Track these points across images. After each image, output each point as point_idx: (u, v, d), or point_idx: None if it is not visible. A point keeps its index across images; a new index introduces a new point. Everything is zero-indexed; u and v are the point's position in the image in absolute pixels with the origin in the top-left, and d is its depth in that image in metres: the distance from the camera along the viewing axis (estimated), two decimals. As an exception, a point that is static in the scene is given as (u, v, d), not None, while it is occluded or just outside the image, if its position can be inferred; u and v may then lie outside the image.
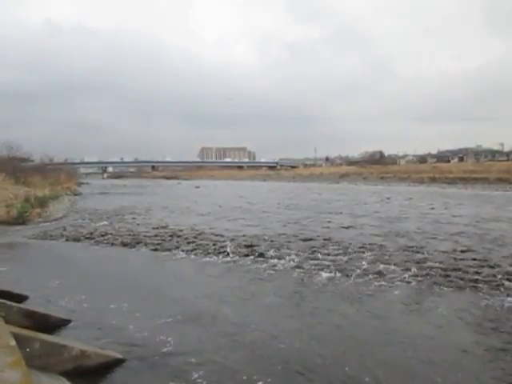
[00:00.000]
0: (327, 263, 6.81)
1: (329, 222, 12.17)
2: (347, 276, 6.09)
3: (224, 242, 8.89)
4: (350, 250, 7.85)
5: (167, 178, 73.34)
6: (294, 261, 7.05)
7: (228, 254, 7.76)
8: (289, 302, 4.95)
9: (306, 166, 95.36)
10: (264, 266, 6.82)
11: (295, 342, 3.82)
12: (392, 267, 6.47)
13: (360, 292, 5.35)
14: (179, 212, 15.95)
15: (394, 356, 3.63)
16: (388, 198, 20.95)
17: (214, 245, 8.62)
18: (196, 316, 4.55)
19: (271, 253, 7.68)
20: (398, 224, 11.51)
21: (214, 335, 4.00)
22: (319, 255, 7.44)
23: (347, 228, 10.91)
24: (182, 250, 8.19)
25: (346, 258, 7.16)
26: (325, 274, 6.19)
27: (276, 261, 7.09)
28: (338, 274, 6.17)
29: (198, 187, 38.56)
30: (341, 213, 14.63)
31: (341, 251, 7.73)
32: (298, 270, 6.50)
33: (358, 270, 6.33)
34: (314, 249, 7.98)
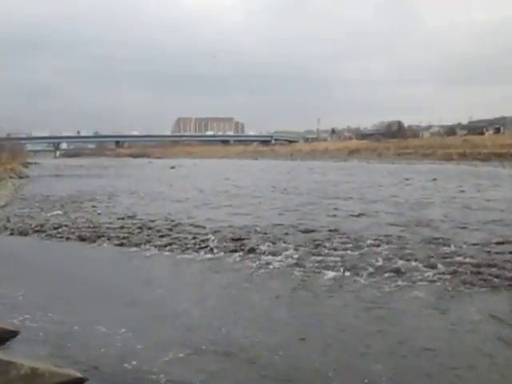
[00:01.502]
0: (333, 260, 6.84)
1: (335, 209, 12.23)
2: (358, 275, 6.12)
3: (206, 234, 8.89)
4: (361, 243, 7.89)
5: (135, 157, 73.08)
6: (292, 257, 7.07)
7: (211, 249, 7.78)
8: (286, 310, 4.93)
9: (307, 140, 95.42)
10: (255, 264, 6.83)
11: (297, 361, 3.82)
12: (413, 264, 6.52)
13: (374, 295, 5.37)
14: (150, 198, 15.93)
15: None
16: (408, 179, 21.14)
17: (193, 238, 8.62)
18: (171, 329, 4.53)
19: (264, 248, 7.70)
20: (420, 211, 11.61)
21: (192, 352, 3.99)
22: (324, 250, 7.47)
23: (358, 216, 10.98)
24: (154, 246, 8.19)
25: (356, 254, 7.20)
26: (330, 274, 6.21)
27: (270, 257, 7.11)
28: (347, 273, 6.20)
29: (173, 167, 38.47)
30: (350, 198, 14.73)
31: (350, 245, 7.77)
32: (297, 268, 6.52)
33: (372, 268, 6.36)
34: (317, 242, 8.01)
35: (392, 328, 4.48)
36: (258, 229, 9.41)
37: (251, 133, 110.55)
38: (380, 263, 6.60)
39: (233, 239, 8.46)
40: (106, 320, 4.71)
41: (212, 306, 5.14)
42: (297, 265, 6.70)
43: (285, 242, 8.11)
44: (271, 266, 6.70)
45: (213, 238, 8.50)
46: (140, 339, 4.22)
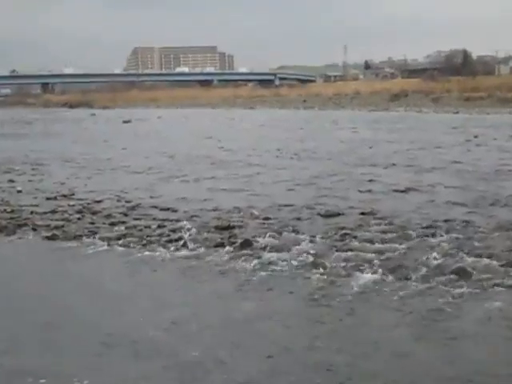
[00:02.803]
0: (368, 257, 6.85)
1: (371, 181, 12.27)
2: (405, 279, 6.13)
3: (178, 221, 8.92)
4: (409, 231, 7.91)
5: (72, 106, 72.62)
6: (307, 254, 7.08)
7: (185, 243, 7.79)
8: (307, 343, 4.83)
9: (328, 79, 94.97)
10: (252, 264, 6.83)
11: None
12: (485, 261, 6.54)
13: (430, 309, 5.36)
14: (94, 168, 15.96)
15: None
16: (478, 137, 21.06)
17: (159, 227, 8.65)
18: (133, 368, 4.54)
19: (265, 240, 7.70)
20: (497, 184, 11.63)
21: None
22: (354, 243, 7.49)
23: (404, 192, 11.03)
24: (102, 238, 8.22)
25: (402, 248, 7.23)
26: (364, 278, 6.22)
27: (274, 255, 7.12)
28: (389, 277, 6.21)
29: (127, 122, 38.35)
30: (393, 165, 14.75)
31: (393, 234, 7.80)
32: (314, 271, 6.52)
33: (425, 269, 6.38)
34: (343, 231, 8.03)
35: (464, 358, 4.48)
36: (256, 212, 9.42)
37: (244, 69, 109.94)
38: (438, 261, 6.60)
39: (218, 228, 8.47)
40: (28, 353, 4.71)
41: (185, 336, 5.06)
42: (314, 265, 6.70)
43: (296, 232, 8.12)
44: (276, 268, 6.70)
45: (188, 226, 8.51)
46: None
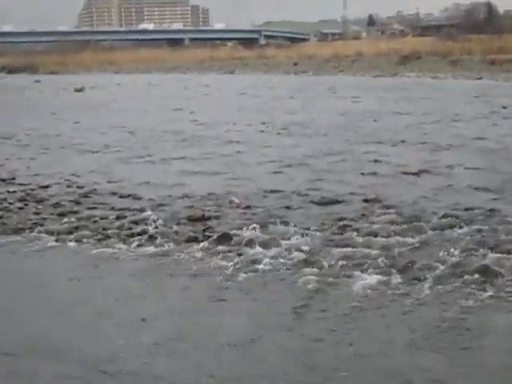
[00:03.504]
0: (373, 254, 6.88)
1: (375, 161, 12.34)
2: (417, 280, 6.13)
3: (141, 211, 8.97)
4: (421, 223, 7.94)
5: (11, 71, 71.94)
6: (299, 250, 7.09)
7: (151, 237, 7.80)
8: (293, 367, 4.82)
9: (324, 37, 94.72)
10: (232, 263, 6.83)
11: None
12: (515, 259, 6.56)
13: (448, 319, 5.35)
14: (40, 146, 15.94)
15: None
16: (505, 108, 21.11)
17: (118, 218, 8.68)
18: None
19: (248, 233, 7.74)
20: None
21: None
22: (355, 237, 7.52)
23: (416, 175, 11.09)
24: (49, 232, 8.20)
25: (413, 242, 7.26)
26: (368, 279, 6.23)
27: (259, 251, 7.14)
28: (398, 278, 6.21)
29: (80, 90, 38.13)
30: (402, 142, 14.80)
31: (402, 226, 7.83)
32: (307, 271, 6.53)
33: (441, 267, 6.39)
34: (342, 222, 8.06)
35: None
36: (237, 199, 9.44)
37: (221, 26, 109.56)
38: (456, 258, 6.62)
39: (190, 219, 8.49)
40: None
41: (144, 362, 5.05)
42: (307, 264, 6.69)
43: (285, 223, 8.13)
44: (260, 268, 6.69)
45: (154, 216, 8.53)
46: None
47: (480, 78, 37.64)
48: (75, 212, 9.07)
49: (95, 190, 10.46)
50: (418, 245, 7.15)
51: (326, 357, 4.84)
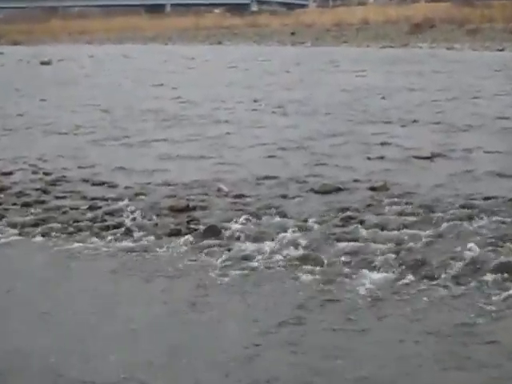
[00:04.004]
0: (380, 249, 6.88)
1: (383, 144, 12.35)
2: (430, 280, 6.15)
3: (117, 200, 8.98)
4: (436, 213, 7.97)
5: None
6: (296, 245, 7.11)
7: (128, 230, 7.82)
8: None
9: (324, 3, 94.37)
10: (220, 260, 6.84)
11: None
12: (541, 254, 6.56)
13: (466, 324, 5.36)
14: (0, 127, 15.87)
15: None
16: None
17: (91, 209, 8.68)
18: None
19: (238, 226, 7.74)
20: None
21: None
22: (360, 230, 7.51)
23: (429, 159, 11.12)
24: (12, 224, 8.21)
25: (426, 235, 7.27)
26: (374, 277, 6.25)
27: (250, 247, 7.15)
28: (409, 277, 6.23)
29: (47, 63, 37.88)
30: (414, 121, 14.82)
31: (414, 218, 7.84)
32: (305, 268, 6.54)
33: (458, 265, 6.40)
34: (346, 213, 8.08)
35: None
36: (226, 187, 9.44)
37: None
38: (475, 254, 6.61)
39: (173, 209, 8.50)
40: None
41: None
42: (306, 261, 6.70)
43: (280, 214, 8.14)
44: (252, 266, 6.70)
45: (132, 207, 8.52)
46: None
47: (502, 50, 37.58)
48: (42, 202, 9.05)
49: (64, 176, 10.43)
50: (431, 239, 7.15)
51: (324, 373, 4.78)
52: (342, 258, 6.69)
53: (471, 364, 4.76)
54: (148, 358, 4.96)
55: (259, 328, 5.44)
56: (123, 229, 7.83)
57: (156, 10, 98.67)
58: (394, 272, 6.32)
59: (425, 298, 5.80)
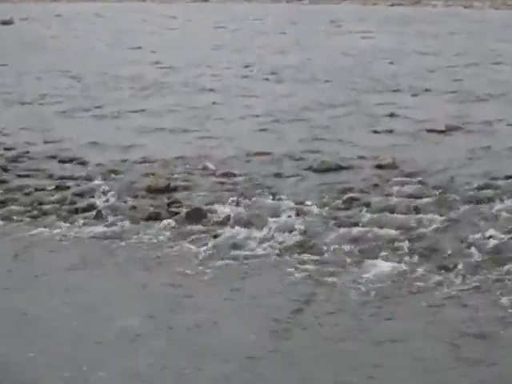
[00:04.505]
0: (389, 235, 6.90)
1: (391, 116, 12.36)
2: (446, 270, 6.14)
3: (88, 180, 8.97)
4: (452, 194, 7.97)
5: None
6: (291, 231, 7.11)
7: (100, 214, 7.82)
8: None
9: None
10: (205, 248, 6.85)
11: None
12: None
13: (487, 320, 5.34)
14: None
15: None
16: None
17: (58, 189, 8.66)
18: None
19: (226, 209, 7.76)
20: None
21: None
22: (365, 213, 7.53)
23: (444, 133, 11.10)
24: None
25: (441, 220, 7.27)
26: (381, 268, 6.24)
27: (240, 232, 7.16)
28: (422, 267, 6.22)
29: (8, 23, 37.61)
30: (426, 90, 14.82)
31: (427, 199, 7.85)
32: (303, 258, 6.54)
33: (477, 253, 6.41)
34: (349, 195, 8.08)
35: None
36: (212, 165, 9.44)
37: None
38: (495, 241, 6.65)
39: (151, 190, 8.50)
40: None
41: None
42: (303, 249, 6.72)
43: (274, 196, 8.15)
44: (243, 254, 6.71)
45: (104, 187, 8.52)
46: None
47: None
48: (2, 181, 9.03)
49: (28, 152, 10.39)
50: (446, 224, 7.14)
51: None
52: (345, 246, 6.68)
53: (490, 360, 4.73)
54: (127, 350, 4.93)
55: (248, 327, 5.38)
56: (94, 212, 7.82)
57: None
58: (404, 261, 6.31)
59: (439, 290, 5.78)
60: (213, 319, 5.57)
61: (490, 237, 6.68)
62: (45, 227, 7.54)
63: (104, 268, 6.59)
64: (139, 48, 24.37)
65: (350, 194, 8.06)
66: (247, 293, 6.00)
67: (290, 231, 7.08)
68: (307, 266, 6.32)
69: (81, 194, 8.39)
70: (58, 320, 5.61)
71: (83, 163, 9.78)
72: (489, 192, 7.99)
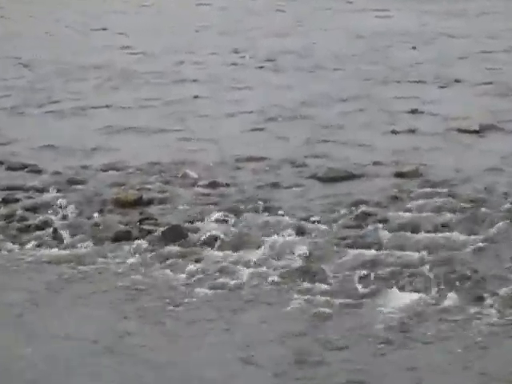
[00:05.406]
0: (410, 259, 6.91)
1: (413, 112, 12.41)
2: (480, 302, 6.13)
3: (43, 190, 9.04)
4: (487, 209, 7.98)
5: None
6: (291, 254, 7.12)
7: (56, 233, 7.81)
8: None
9: None
10: (185, 275, 6.86)
11: None
12: None
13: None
14: None
15: None
16: None
17: (4, 202, 8.71)
18: None
19: (210, 226, 7.79)
20: None
21: None
22: (381, 231, 7.54)
23: (478, 133, 11.14)
24: None
25: (473, 240, 7.27)
26: (402, 299, 6.24)
27: (227, 256, 7.18)
28: (449, 298, 6.21)
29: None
30: (455, 81, 14.88)
31: (457, 215, 7.86)
32: (305, 287, 6.53)
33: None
34: (361, 209, 8.10)
35: None
36: (194, 173, 9.49)
37: None
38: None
39: (119, 203, 8.54)
40: None
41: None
42: (306, 274, 6.71)
43: (270, 211, 8.19)
44: (232, 282, 6.69)
45: (62, 200, 8.58)
46: None
47: None
48: None
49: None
50: (481, 244, 7.15)
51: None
52: (358, 272, 6.68)
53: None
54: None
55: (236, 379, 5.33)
56: (50, 231, 7.83)
57: None
58: (430, 292, 6.30)
59: (472, 326, 5.74)
60: (192, 361, 5.49)
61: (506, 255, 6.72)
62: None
63: (58, 302, 6.53)
64: (105, 29, 24.38)
65: (363, 209, 8.07)
66: (237, 336, 5.89)
67: (290, 253, 7.09)
68: (311, 297, 6.29)
69: (33, 209, 8.42)
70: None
71: (36, 171, 9.82)
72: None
